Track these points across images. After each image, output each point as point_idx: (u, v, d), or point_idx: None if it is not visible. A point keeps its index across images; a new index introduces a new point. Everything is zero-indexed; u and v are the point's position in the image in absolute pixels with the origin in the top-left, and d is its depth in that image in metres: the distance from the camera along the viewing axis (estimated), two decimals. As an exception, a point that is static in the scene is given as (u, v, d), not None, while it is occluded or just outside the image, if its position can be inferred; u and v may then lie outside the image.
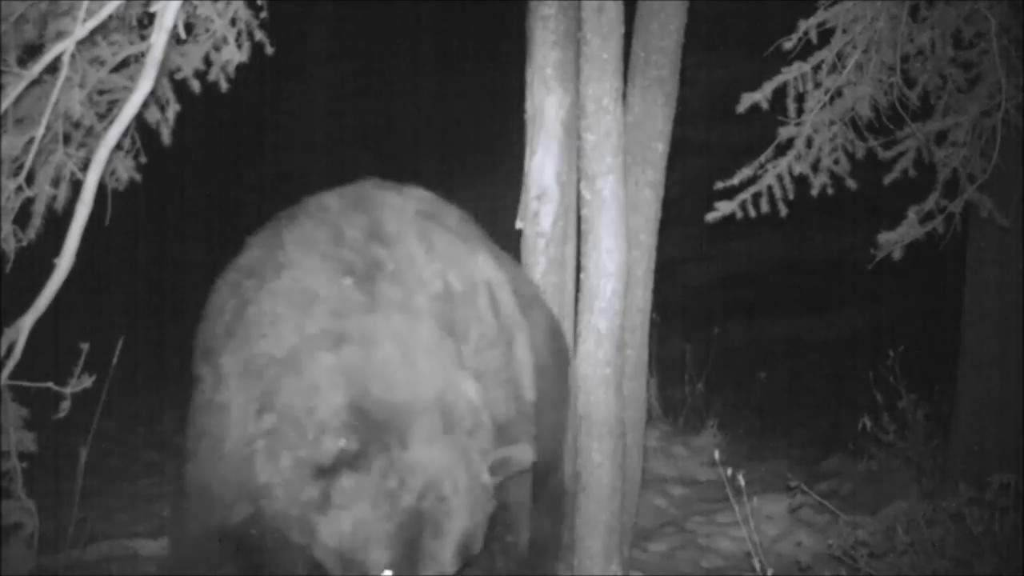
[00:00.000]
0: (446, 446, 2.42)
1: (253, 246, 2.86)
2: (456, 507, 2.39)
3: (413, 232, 2.80)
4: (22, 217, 2.98)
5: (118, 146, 3.10)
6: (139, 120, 3.19)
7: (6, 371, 2.69)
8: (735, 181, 4.05)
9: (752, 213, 4.05)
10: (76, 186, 2.92)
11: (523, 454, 2.58)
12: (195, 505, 2.64)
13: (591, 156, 3.71)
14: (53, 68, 2.74)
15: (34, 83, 2.76)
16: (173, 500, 3.01)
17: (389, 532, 2.34)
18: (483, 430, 2.53)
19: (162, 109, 3.34)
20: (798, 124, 3.98)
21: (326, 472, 2.36)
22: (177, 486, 2.80)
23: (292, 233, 2.78)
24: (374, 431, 2.37)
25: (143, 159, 3.43)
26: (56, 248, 2.71)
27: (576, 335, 3.76)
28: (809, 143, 4.01)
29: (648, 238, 4.02)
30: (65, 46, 2.68)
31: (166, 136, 3.38)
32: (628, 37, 3.87)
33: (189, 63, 3.23)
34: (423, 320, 2.61)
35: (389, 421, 2.39)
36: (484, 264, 2.95)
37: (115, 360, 4.07)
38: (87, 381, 2.90)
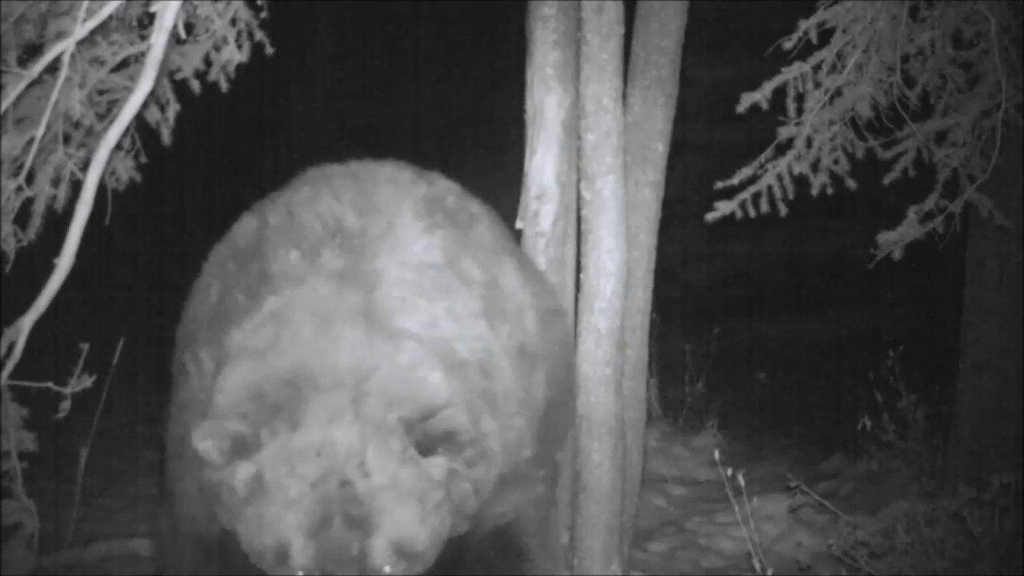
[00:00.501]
0: (352, 423, 2.20)
1: (246, 216, 2.77)
2: (378, 495, 2.17)
3: (410, 208, 2.66)
4: (22, 217, 2.98)
5: (118, 146, 3.10)
6: (139, 120, 3.20)
7: (6, 371, 2.69)
8: (735, 181, 4.05)
9: (752, 213, 4.04)
10: (76, 186, 2.92)
11: (448, 420, 2.26)
12: (180, 511, 2.54)
13: (591, 156, 3.71)
14: (53, 68, 2.74)
15: (34, 83, 2.76)
16: (159, 504, 2.91)
17: (300, 524, 2.15)
18: (415, 404, 2.27)
19: (162, 109, 3.35)
20: (798, 124, 3.98)
21: (222, 466, 2.22)
22: (162, 490, 2.73)
23: (278, 203, 2.69)
24: (266, 414, 2.22)
25: (143, 159, 3.43)
26: (56, 248, 2.71)
27: (576, 335, 3.75)
28: (809, 143, 4.01)
29: (648, 238, 4.01)
30: (65, 46, 2.68)
31: (166, 136, 3.38)
32: (628, 37, 3.86)
33: (189, 63, 3.23)
34: (362, 286, 2.42)
35: (285, 402, 2.23)
36: (510, 274, 2.83)
37: (115, 360, 4.07)
38: (87, 381, 2.91)
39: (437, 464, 2.27)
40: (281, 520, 2.16)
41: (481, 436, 2.38)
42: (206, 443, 2.19)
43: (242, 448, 2.20)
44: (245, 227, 2.72)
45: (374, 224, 2.56)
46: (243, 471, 2.21)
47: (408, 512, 2.20)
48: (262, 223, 2.66)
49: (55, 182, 3.05)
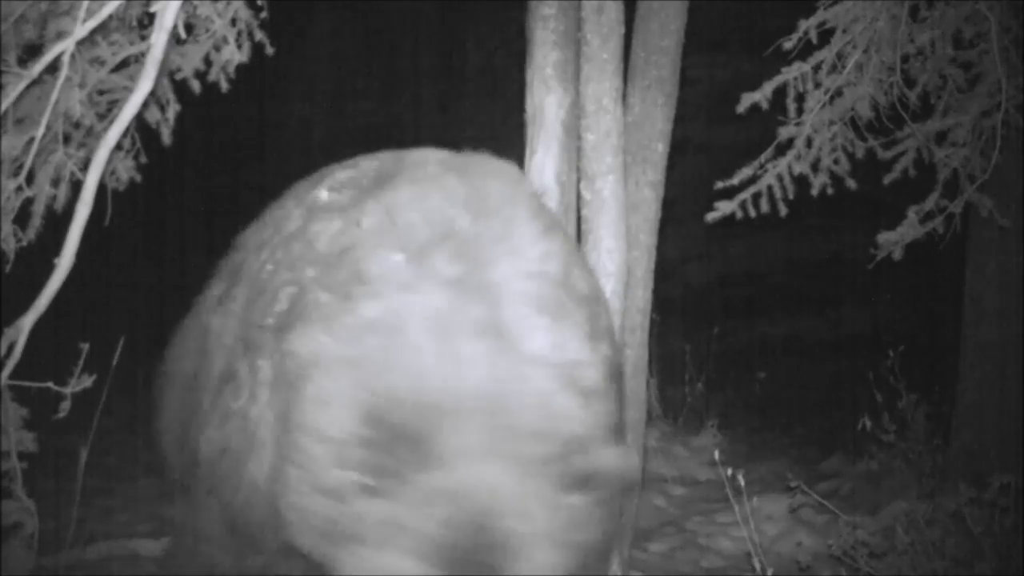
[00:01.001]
0: (494, 461, 1.94)
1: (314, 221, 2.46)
2: (522, 541, 1.93)
3: (524, 208, 2.34)
4: (22, 217, 2.98)
5: (118, 146, 3.10)
6: (139, 120, 3.20)
7: (6, 371, 2.69)
8: (735, 181, 4.05)
9: (752, 213, 4.05)
10: (76, 186, 2.92)
11: (598, 457, 2.03)
12: (217, 537, 2.35)
13: (591, 156, 3.71)
14: (53, 68, 2.75)
15: (34, 83, 2.76)
16: (184, 533, 2.67)
17: (426, 571, 1.90)
18: (558, 438, 2.01)
19: (162, 109, 3.34)
20: (798, 124, 3.98)
21: (342, 500, 1.97)
22: (187, 513, 2.55)
23: (370, 202, 2.35)
24: (391, 443, 1.95)
25: (143, 159, 3.43)
26: (56, 248, 2.71)
27: (576, 335, 3.75)
28: (809, 143, 4.01)
29: (648, 238, 4.02)
30: (65, 46, 2.68)
31: (166, 136, 3.38)
32: (628, 37, 3.86)
33: (189, 63, 3.23)
34: (485, 299, 2.13)
35: (412, 429, 1.95)
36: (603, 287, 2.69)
37: (115, 360, 4.07)
38: (87, 381, 2.90)
39: (580, 503, 2.03)
40: (403, 562, 1.93)
41: (624, 470, 2.15)
42: (333, 474, 1.95)
43: (374, 486, 1.94)
44: (322, 230, 2.42)
45: (489, 227, 2.26)
46: (367, 508, 1.94)
47: (550, 558, 1.97)
48: (349, 224, 2.37)
49: (55, 182, 3.05)
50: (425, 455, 1.94)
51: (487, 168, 2.46)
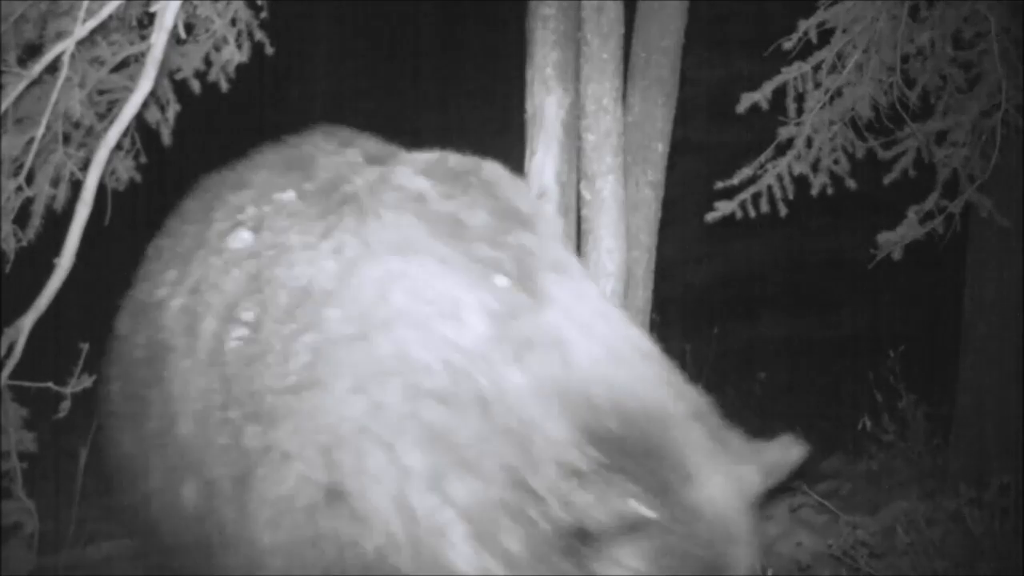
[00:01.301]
0: (719, 466, 1.84)
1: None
2: (742, 552, 1.84)
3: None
4: (22, 217, 2.98)
5: (118, 146, 3.11)
6: (139, 120, 3.20)
7: (6, 371, 2.69)
8: (735, 181, 4.05)
9: (752, 213, 4.05)
10: (76, 186, 2.93)
11: (790, 450, 2.02)
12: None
13: (591, 156, 3.71)
14: (53, 68, 2.75)
15: (34, 83, 2.76)
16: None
17: None
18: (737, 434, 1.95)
19: (162, 109, 3.35)
20: (798, 124, 3.98)
21: (591, 540, 1.72)
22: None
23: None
24: (639, 463, 1.76)
25: (143, 159, 3.43)
26: (56, 248, 2.71)
27: (576, 335, 3.75)
28: (809, 143, 4.01)
29: (648, 238, 4.01)
30: (65, 46, 2.68)
31: (166, 136, 3.38)
32: (628, 37, 3.86)
33: (189, 63, 3.23)
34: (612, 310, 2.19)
35: (651, 443, 1.80)
36: None
37: (115, 360, 4.06)
38: (87, 381, 2.91)
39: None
40: None
41: None
42: (596, 513, 1.73)
43: (629, 521, 1.73)
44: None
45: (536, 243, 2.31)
46: (627, 550, 1.73)
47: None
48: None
49: (55, 182, 3.05)
50: (675, 470, 1.82)
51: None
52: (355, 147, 2.70)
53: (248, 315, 2.29)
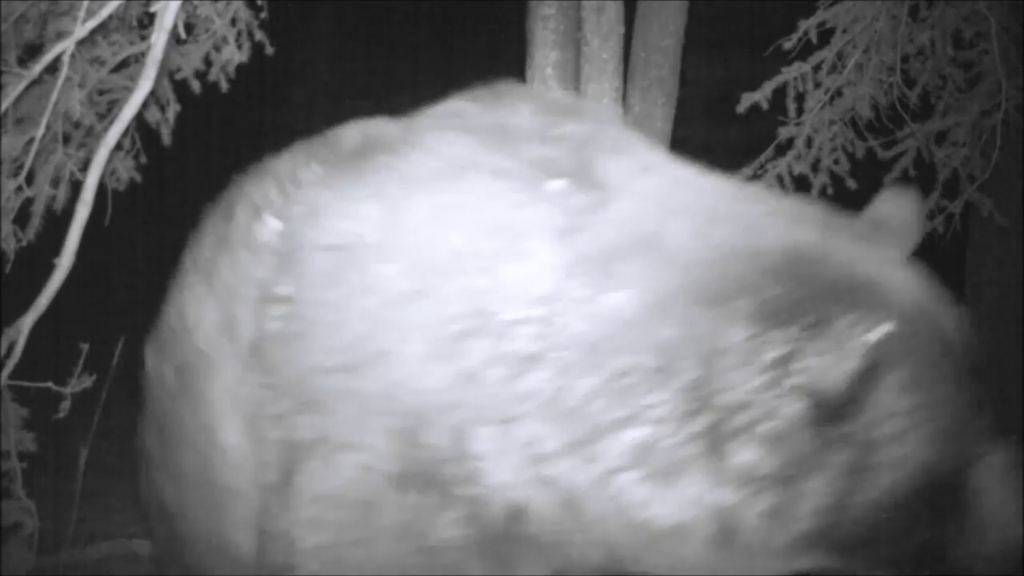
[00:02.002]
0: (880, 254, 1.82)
1: None
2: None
3: None
4: (22, 217, 2.99)
5: (118, 146, 3.11)
6: (139, 120, 3.20)
7: (6, 371, 2.69)
8: (735, 181, 4.05)
9: (752, 213, 4.05)
10: (76, 186, 2.93)
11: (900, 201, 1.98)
12: None
13: (591, 156, 3.71)
14: (53, 68, 2.75)
15: (34, 83, 2.77)
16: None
17: None
18: None
19: (162, 109, 3.35)
20: (798, 124, 3.98)
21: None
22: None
23: None
24: (822, 301, 1.67)
25: (143, 159, 3.43)
26: (56, 248, 2.71)
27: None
28: (809, 143, 4.01)
29: (648, 238, 4.02)
30: (65, 46, 2.68)
31: (166, 136, 3.38)
32: (628, 37, 3.86)
33: (189, 63, 3.23)
34: None
35: (816, 281, 1.71)
36: None
37: (115, 360, 4.06)
38: (87, 381, 2.91)
39: None
40: None
41: None
42: (832, 368, 1.67)
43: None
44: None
45: None
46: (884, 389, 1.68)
47: None
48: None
49: (55, 182, 3.05)
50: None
51: None
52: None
53: (285, 289, 2.01)
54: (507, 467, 1.80)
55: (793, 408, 1.67)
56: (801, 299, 1.68)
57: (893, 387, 1.69)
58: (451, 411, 1.82)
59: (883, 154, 4.01)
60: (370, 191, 2.00)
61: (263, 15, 3.29)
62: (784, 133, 4.00)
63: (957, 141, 3.97)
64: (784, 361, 1.66)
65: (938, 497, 1.78)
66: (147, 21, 2.99)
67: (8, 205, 2.90)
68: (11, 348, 2.67)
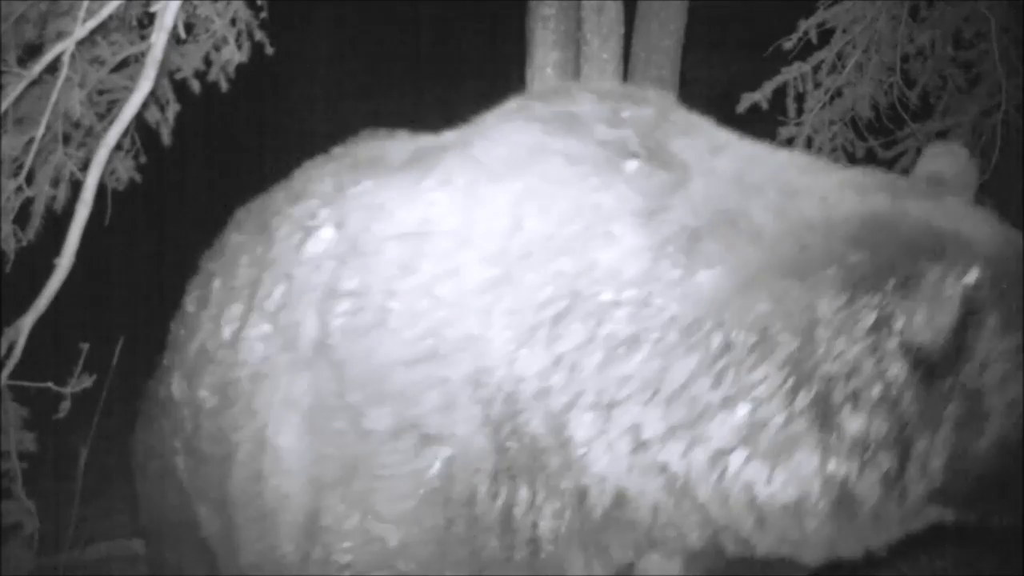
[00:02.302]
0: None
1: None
2: None
3: None
4: (22, 217, 2.98)
5: (118, 146, 3.11)
6: (139, 120, 3.20)
7: (6, 371, 2.69)
8: (735, 181, 4.05)
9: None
10: (76, 186, 2.93)
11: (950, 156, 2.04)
12: None
13: (591, 156, 3.71)
14: (53, 68, 2.75)
15: (34, 83, 2.77)
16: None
17: None
18: None
19: (162, 109, 3.35)
20: (798, 124, 3.98)
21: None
22: None
23: None
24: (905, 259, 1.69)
25: (143, 159, 3.43)
26: (56, 248, 2.71)
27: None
28: (809, 143, 4.01)
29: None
30: (65, 46, 2.68)
31: (166, 136, 3.38)
32: (628, 37, 3.86)
33: (189, 63, 3.23)
34: None
35: (896, 241, 1.73)
36: None
37: (115, 360, 4.06)
38: (87, 381, 2.91)
39: None
40: None
41: None
42: (933, 319, 1.70)
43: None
44: None
45: None
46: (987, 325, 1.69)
47: None
48: None
49: (55, 182, 3.05)
50: None
51: None
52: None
53: (350, 283, 1.98)
54: (611, 454, 1.78)
55: (897, 369, 1.68)
56: (887, 260, 1.69)
57: (991, 331, 1.70)
58: (548, 397, 1.79)
59: (883, 154, 4.01)
60: (437, 182, 1.99)
61: (263, 15, 3.29)
62: (784, 133, 4.00)
63: (957, 141, 3.97)
64: (881, 324, 1.67)
65: None
66: (147, 21, 2.99)
67: (8, 205, 2.90)
68: (11, 348, 2.67)
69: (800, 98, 3.95)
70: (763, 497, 1.75)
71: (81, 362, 2.96)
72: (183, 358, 2.45)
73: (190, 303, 2.56)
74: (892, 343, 1.68)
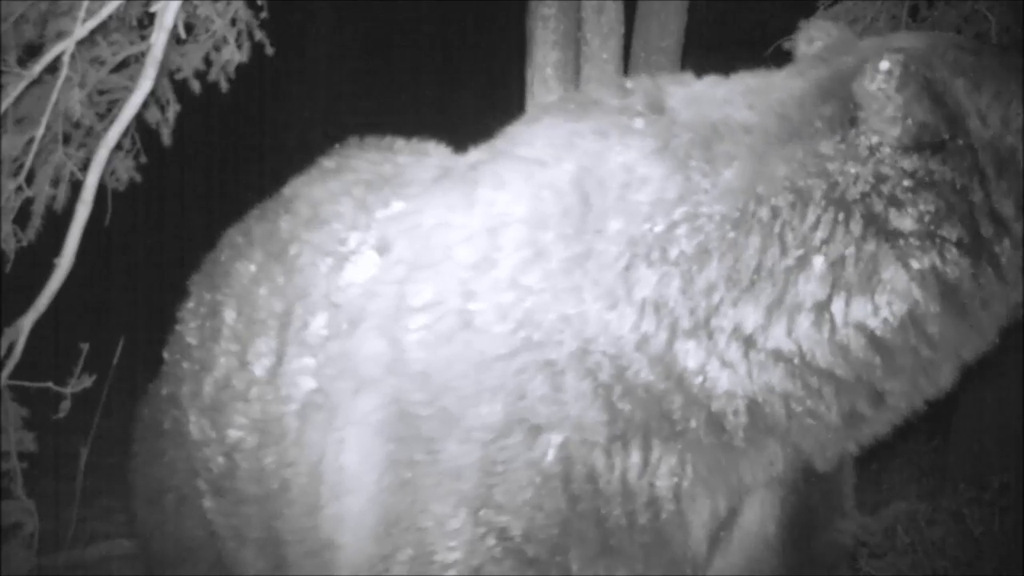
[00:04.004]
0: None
1: None
2: None
3: None
4: (22, 217, 2.98)
5: (118, 146, 3.10)
6: (139, 120, 3.19)
7: (6, 371, 2.69)
8: (735, 181, 4.05)
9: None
10: (76, 186, 2.93)
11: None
12: None
13: (591, 156, 3.71)
14: (53, 68, 2.75)
15: (34, 83, 2.77)
16: None
17: None
18: None
19: (162, 109, 3.34)
20: (798, 124, 3.99)
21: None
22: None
23: None
24: None
25: (143, 159, 3.43)
26: (56, 248, 2.71)
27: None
28: (809, 143, 4.01)
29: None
30: (65, 46, 2.68)
31: (166, 136, 3.38)
32: (628, 37, 3.87)
33: (189, 63, 3.23)
34: None
35: None
36: None
37: (115, 360, 4.06)
38: (87, 381, 2.91)
39: None
40: None
41: None
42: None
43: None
44: None
45: None
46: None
47: None
48: None
49: (55, 182, 3.05)
50: None
51: None
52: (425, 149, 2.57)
53: (422, 298, 2.00)
54: (727, 367, 1.85)
55: (908, 163, 1.83)
56: (844, 98, 1.88)
57: (964, 92, 1.88)
58: (648, 343, 1.85)
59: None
60: (491, 186, 2.06)
61: (263, 15, 3.28)
62: (784, 133, 4.00)
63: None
64: (868, 141, 1.84)
65: None
66: (147, 21, 2.99)
67: (8, 205, 2.90)
68: (11, 348, 2.67)
69: (800, 98, 3.95)
70: (878, 327, 1.83)
71: (81, 362, 2.97)
72: (197, 395, 2.40)
73: (190, 334, 2.52)
74: (886, 150, 1.83)
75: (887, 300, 1.82)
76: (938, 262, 1.81)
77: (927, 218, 1.81)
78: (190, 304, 2.58)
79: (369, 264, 2.16)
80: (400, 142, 2.60)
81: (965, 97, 1.86)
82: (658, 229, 1.88)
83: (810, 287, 1.82)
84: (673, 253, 1.86)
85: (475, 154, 2.28)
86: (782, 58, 3.89)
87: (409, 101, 12.59)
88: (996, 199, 1.84)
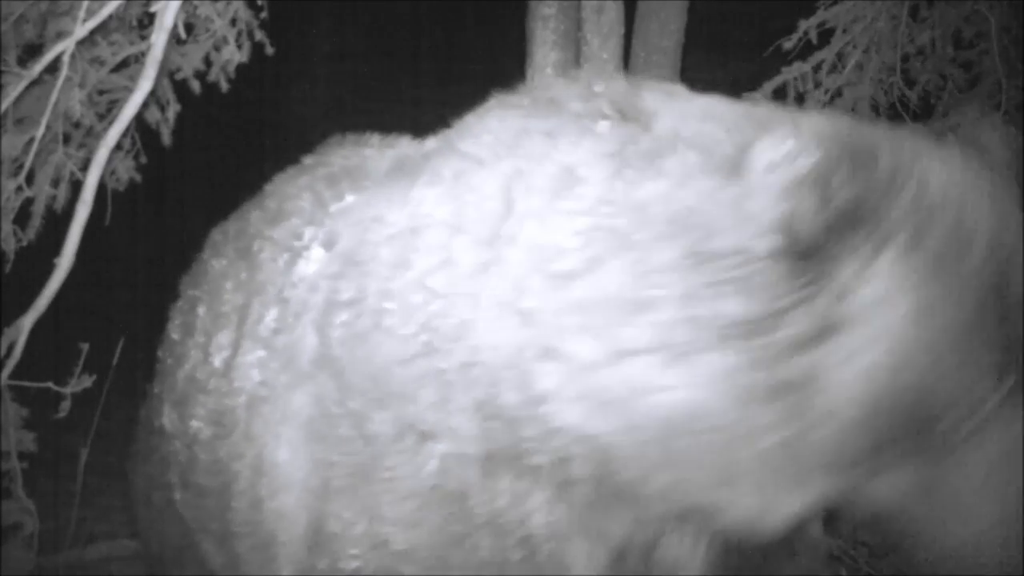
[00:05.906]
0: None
1: None
2: None
3: None
4: (22, 217, 2.99)
5: (118, 146, 3.11)
6: (139, 120, 3.20)
7: (6, 371, 2.70)
8: (736, 181, 4.05)
9: (753, 213, 4.05)
10: (76, 186, 2.93)
11: None
12: None
13: (591, 156, 3.71)
14: (53, 68, 2.75)
15: (34, 83, 2.77)
16: None
17: None
18: None
19: (162, 109, 3.35)
20: (798, 124, 3.99)
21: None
22: None
23: None
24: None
25: (143, 159, 3.43)
26: (56, 248, 2.71)
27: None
28: (809, 143, 4.01)
29: (648, 238, 4.01)
30: (65, 46, 2.69)
31: (166, 136, 3.38)
32: (628, 37, 3.87)
33: (189, 63, 3.24)
34: None
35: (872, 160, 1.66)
36: None
37: (115, 360, 4.06)
38: (87, 381, 2.92)
39: None
40: None
41: None
42: None
43: None
44: None
45: None
46: None
47: None
48: None
49: (55, 182, 3.05)
50: None
51: None
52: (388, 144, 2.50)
53: (347, 293, 1.97)
54: (575, 398, 1.66)
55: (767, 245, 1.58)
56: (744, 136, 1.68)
57: (871, 249, 1.55)
58: (518, 358, 1.72)
59: (883, 154, 4.01)
60: (426, 182, 1.98)
61: (263, 15, 3.29)
62: (784, 133, 4.00)
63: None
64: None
65: (921, 430, 1.60)
66: (147, 21, 2.99)
67: (8, 205, 2.90)
68: (11, 348, 2.68)
69: (800, 98, 3.95)
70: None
71: (81, 362, 2.97)
72: (171, 388, 2.40)
73: (174, 330, 2.51)
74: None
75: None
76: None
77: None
78: (178, 302, 2.58)
79: (316, 258, 2.14)
80: (376, 137, 2.56)
81: (866, 249, 1.59)
82: (548, 241, 1.75)
83: (636, 332, 1.63)
84: (567, 263, 1.72)
85: (430, 143, 2.24)
86: (782, 58, 3.91)
87: (409, 101, 12.59)
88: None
